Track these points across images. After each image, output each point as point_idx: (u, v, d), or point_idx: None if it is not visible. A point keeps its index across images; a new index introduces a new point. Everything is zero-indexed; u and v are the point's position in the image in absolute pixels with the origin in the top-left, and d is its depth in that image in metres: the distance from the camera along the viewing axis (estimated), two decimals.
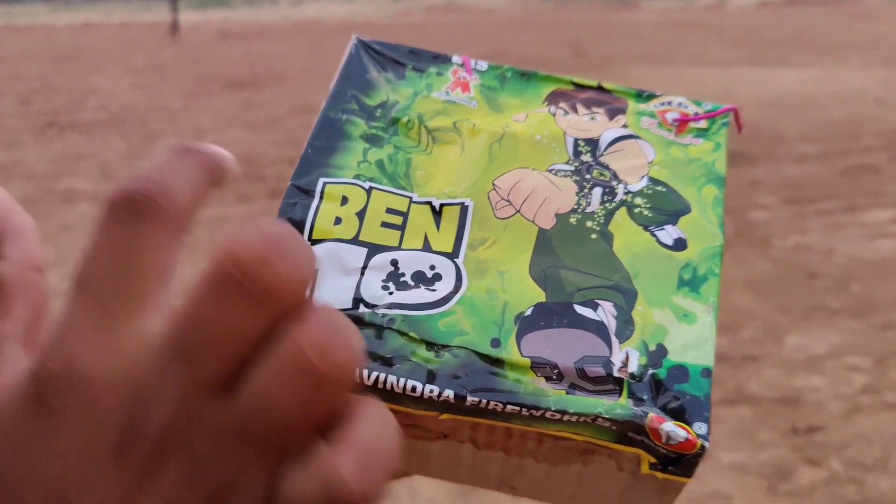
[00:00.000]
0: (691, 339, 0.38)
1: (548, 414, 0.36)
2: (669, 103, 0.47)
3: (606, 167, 0.44)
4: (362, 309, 0.39)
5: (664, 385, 0.37)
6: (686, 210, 0.42)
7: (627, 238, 0.41)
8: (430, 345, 0.37)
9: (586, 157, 0.44)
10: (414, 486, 2.70)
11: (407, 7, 42.08)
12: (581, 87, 0.48)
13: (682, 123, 0.46)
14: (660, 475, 0.38)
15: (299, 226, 0.44)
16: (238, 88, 10.41)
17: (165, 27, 24.75)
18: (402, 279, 0.40)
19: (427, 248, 0.41)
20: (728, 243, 2.72)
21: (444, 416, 0.37)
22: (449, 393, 0.36)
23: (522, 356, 0.37)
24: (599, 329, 0.38)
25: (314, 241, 0.43)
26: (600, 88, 0.48)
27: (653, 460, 0.37)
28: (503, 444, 0.38)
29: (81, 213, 5.10)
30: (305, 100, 9.12)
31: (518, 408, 0.36)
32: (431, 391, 0.36)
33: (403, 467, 0.41)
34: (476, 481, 0.41)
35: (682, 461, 0.36)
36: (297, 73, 11.75)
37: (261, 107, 8.81)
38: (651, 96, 0.48)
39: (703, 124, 0.46)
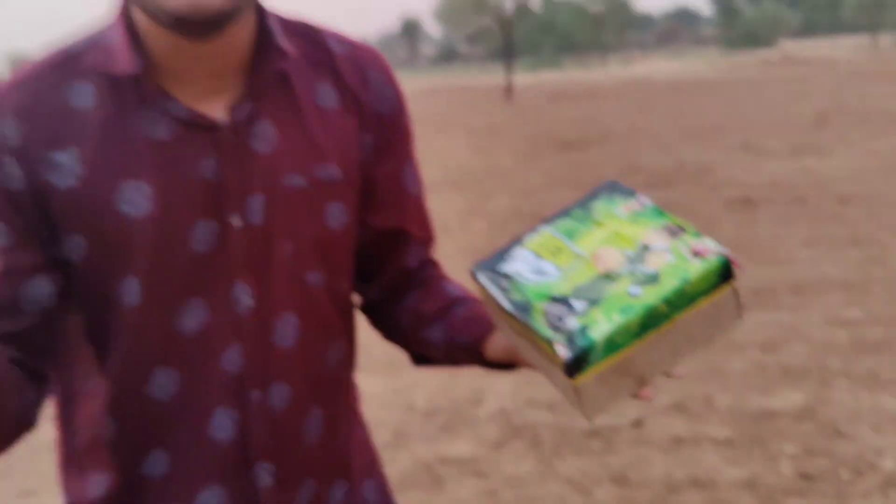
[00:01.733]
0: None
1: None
2: (702, 241, 0.84)
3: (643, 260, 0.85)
4: None
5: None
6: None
7: (623, 284, 0.84)
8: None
9: (641, 251, 0.86)
10: None
11: (740, 62, 40.48)
12: (677, 224, 0.86)
13: (697, 252, 0.83)
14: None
15: None
16: (567, 148, 10.78)
17: (501, 90, 26.43)
18: None
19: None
20: None
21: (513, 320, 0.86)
22: None
23: None
24: None
25: None
26: (681, 228, 0.85)
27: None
28: (533, 343, 0.84)
29: None
30: (633, 159, 9.26)
31: None
32: None
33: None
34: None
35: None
36: (626, 133, 11.93)
37: (589, 166, 9.07)
38: (697, 235, 0.84)
39: (711, 257, 0.82)
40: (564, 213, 0.93)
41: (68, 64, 0.90)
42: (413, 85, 45.09)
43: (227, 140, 0.90)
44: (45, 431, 0.96)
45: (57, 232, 0.89)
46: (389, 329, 1.11)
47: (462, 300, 1.06)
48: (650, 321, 0.80)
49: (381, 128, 1.01)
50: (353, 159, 0.99)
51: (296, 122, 0.94)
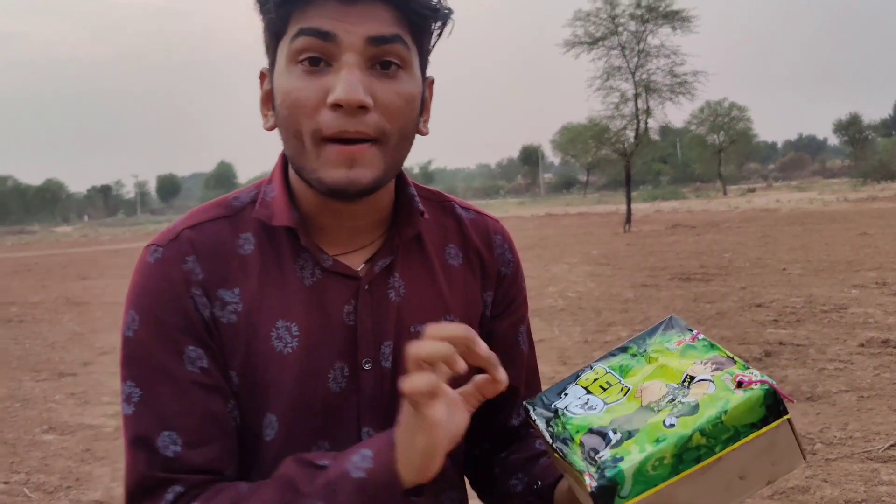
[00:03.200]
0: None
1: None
2: (749, 372, 0.82)
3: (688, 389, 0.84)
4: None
5: None
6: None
7: (662, 415, 0.82)
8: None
9: (685, 383, 0.85)
10: None
11: (870, 193, 39.01)
12: (727, 356, 0.85)
13: (741, 383, 0.80)
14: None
15: None
16: (687, 280, 10.61)
17: (620, 217, 26.42)
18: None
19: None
20: None
21: (556, 456, 0.88)
22: None
23: None
24: None
25: None
26: (731, 359, 0.84)
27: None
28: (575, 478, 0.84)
29: None
30: (757, 294, 8.99)
31: None
32: None
33: None
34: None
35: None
36: (749, 266, 11.66)
37: (710, 299, 8.88)
38: (745, 367, 0.82)
39: (755, 387, 0.79)
40: (621, 349, 0.97)
41: (236, 214, 1.01)
42: (532, 211, 45.75)
43: (365, 289, 1.00)
44: None
45: (223, 363, 0.97)
46: (479, 480, 1.16)
47: (546, 452, 1.10)
48: (686, 453, 0.77)
49: (501, 286, 1.12)
50: (474, 314, 1.09)
51: (426, 278, 1.05)
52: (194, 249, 0.97)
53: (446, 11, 0.96)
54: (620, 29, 24.12)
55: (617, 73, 24.37)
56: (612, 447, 0.79)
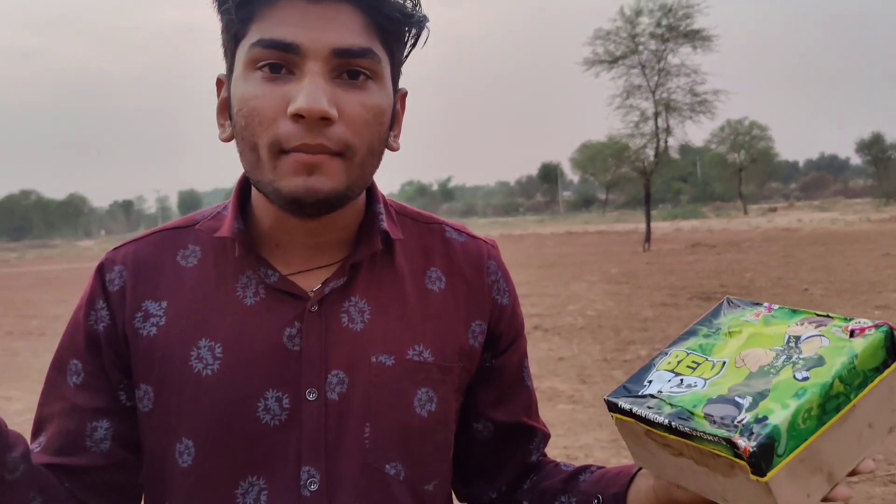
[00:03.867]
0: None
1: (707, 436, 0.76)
2: (856, 321, 0.81)
3: (798, 346, 0.82)
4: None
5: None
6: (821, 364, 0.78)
7: (786, 373, 0.79)
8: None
9: (791, 343, 0.82)
10: None
11: (893, 212, 38.68)
12: (819, 315, 0.84)
13: (853, 332, 0.80)
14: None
15: None
16: (708, 300, 10.50)
17: (639, 236, 26.33)
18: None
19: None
20: None
21: (672, 437, 0.80)
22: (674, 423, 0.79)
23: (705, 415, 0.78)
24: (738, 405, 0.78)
25: None
26: (827, 316, 0.83)
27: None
28: (697, 458, 0.79)
29: (560, 412, 5.53)
30: None
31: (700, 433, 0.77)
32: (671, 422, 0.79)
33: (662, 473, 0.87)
34: (686, 480, 0.83)
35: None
36: (770, 286, 11.56)
37: None
38: (847, 319, 0.81)
39: (871, 332, 0.78)
40: (690, 332, 0.91)
41: (189, 227, 0.97)
42: (551, 229, 45.75)
43: (311, 311, 0.90)
44: None
45: (131, 379, 0.92)
46: None
47: (582, 469, 1.03)
48: (828, 402, 0.75)
49: (502, 319, 1.01)
50: (451, 344, 0.96)
51: (394, 303, 0.94)
52: (125, 260, 0.95)
53: (421, 18, 0.88)
54: (641, 48, 24.15)
55: (637, 91, 24.38)
56: (748, 410, 0.75)
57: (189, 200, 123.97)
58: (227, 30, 0.87)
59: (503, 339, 1.02)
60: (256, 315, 0.90)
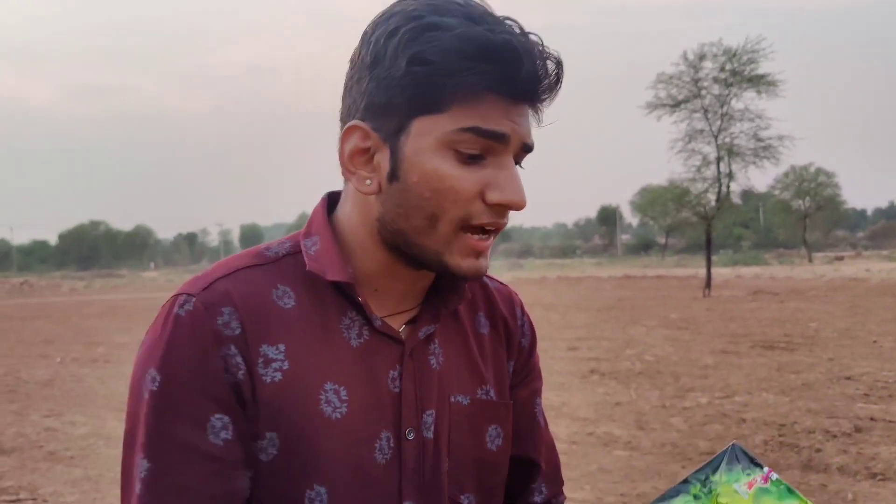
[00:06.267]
0: None
1: None
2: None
3: None
4: None
5: None
6: None
7: None
8: None
9: None
10: None
11: None
12: None
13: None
14: None
15: None
16: (770, 349, 10.26)
17: (699, 281, 25.87)
18: None
19: None
20: None
21: None
22: None
23: None
24: None
25: None
26: None
27: None
28: None
29: (616, 458, 5.45)
30: (845, 366, 8.64)
31: None
32: None
33: None
34: None
35: None
36: (836, 337, 11.20)
37: (794, 370, 8.56)
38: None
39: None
40: (684, 483, 0.90)
41: (271, 264, 0.94)
42: (609, 272, 45.31)
43: (409, 354, 0.96)
44: None
45: (255, 428, 0.88)
46: None
47: None
48: None
49: (521, 356, 1.10)
50: (504, 383, 1.06)
51: (461, 346, 1.02)
52: (231, 300, 0.88)
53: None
54: (703, 92, 23.96)
55: (699, 135, 24.14)
56: None
57: (250, 234, 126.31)
58: (411, 93, 0.86)
59: (519, 374, 1.10)
60: (364, 357, 0.94)
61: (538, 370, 1.13)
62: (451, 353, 1.01)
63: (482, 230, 0.90)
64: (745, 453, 0.91)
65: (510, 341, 1.09)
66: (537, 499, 1.10)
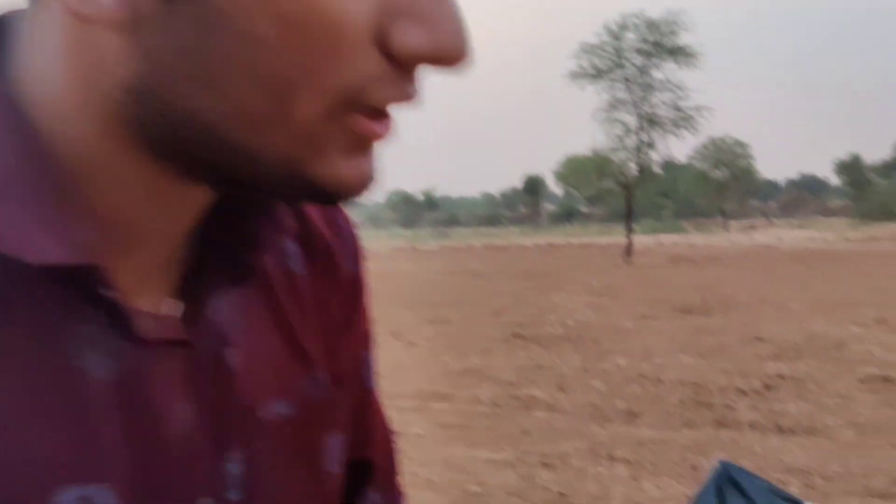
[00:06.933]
0: None
1: None
2: None
3: None
4: None
5: None
6: None
7: None
8: None
9: None
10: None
11: (871, 233, 39.08)
12: None
13: None
14: None
15: None
16: (688, 313, 10.56)
17: (621, 249, 26.47)
18: None
19: None
20: None
21: None
22: None
23: None
24: None
25: None
26: None
27: None
28: None
29: (537, 419, 5.54)
30: (757, 329, 8.96)
31: None
32: None
33: None
34: None
35: None
36: (749, 301, 11.59)
37: (710, 333, 8.85)
38: None
39: None
40: None
41: None
42: (533, 241, 45.94)
43: (198, 361, 0.49)
44: None
45: None
46: None
47: None
48: None
49: (344, 289, 0.62)
50: (339, 352, 0.60)
51: (266, 309, 0.54)
52: None
53: None
54: (625, 62, 24.33)
55: (621, 105, 24.56)
56: None
57: None
58: None
59: (345, 316, 0.66)
60: (127, 394, 0.45)
61: (367, 313, 0.64)
62: (254, 328, 0.53)
63: (374, 109, 0.42)
64: (738, 476, 0.76)
65: (335, 269, 0.60)
66: None
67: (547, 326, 9.78)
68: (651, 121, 23.95)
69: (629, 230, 24.28)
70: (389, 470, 0.67)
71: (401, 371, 7.01)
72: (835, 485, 4.13)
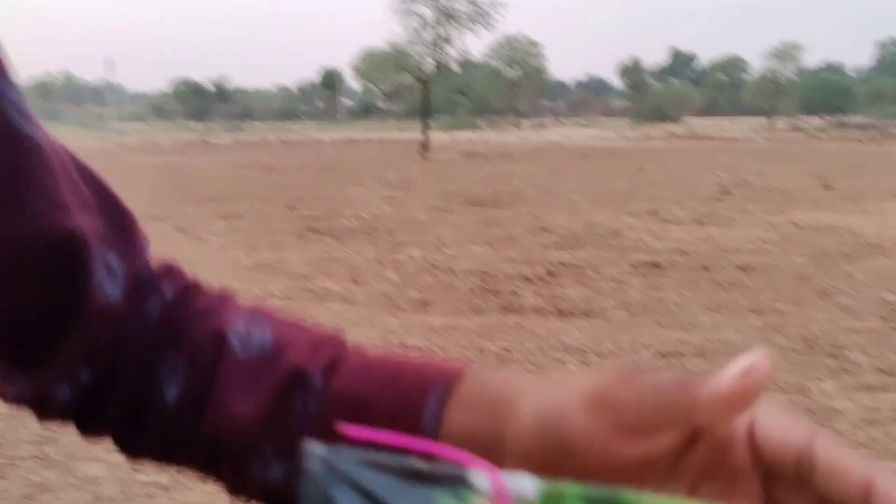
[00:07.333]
0: None
1: None
2: None
3: None
4: None
5: None
6: None
7: None
8: None
9: None
10: None
11: (647, 133, 42.06)
12: None
13: None
14: None
15: None
16: (479, 206, 10.90)
17: (417, 145, 26.70)
18: None
19: None
20: None
21: None
22: None
23: None
24: None
25: None
26: None
27: None
28: None
29: (331, 310, 5.51)
30: (543, 220, 9.40)
31: None
32: None
33: None
34: None
35: None
36: (536, 195, 12.13)
37: (499, 225, 9.17)
38: None
39: None
40: None
41: None
42: (331, 135, 45.18)
43: None
44: None
45: None
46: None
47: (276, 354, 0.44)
48: None
49: None
50: None
51: None
52: None
53: None
54: None
55: None
56: None
57: None
58: None
59: None
60: None
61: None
62: None
63: None
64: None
65: None
66: (112, 296, 0.47)
67: (342, 220, 9.71)
68: (448, 14, 23.94)
69: (426, 126, 24.46)
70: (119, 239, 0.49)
71: (189, 267, 6.68)
72: (607, 361, 4.45)
